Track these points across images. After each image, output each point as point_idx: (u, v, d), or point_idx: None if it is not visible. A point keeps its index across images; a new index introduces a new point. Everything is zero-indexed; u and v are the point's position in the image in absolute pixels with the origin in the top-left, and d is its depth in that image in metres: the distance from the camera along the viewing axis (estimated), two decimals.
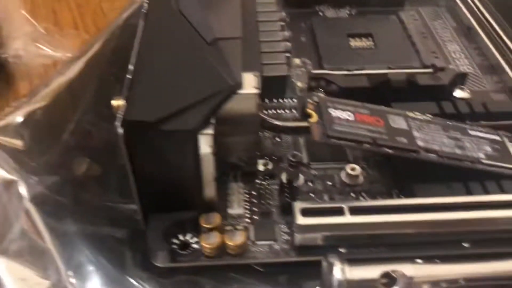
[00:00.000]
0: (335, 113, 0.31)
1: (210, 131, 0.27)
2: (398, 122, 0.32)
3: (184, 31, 0.31)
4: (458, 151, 0.31)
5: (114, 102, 0.28)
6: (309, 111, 0.31)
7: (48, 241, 0.29)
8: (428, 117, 0.33)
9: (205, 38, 0.30)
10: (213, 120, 0.27)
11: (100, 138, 0.37)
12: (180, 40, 0.30)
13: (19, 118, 0.37)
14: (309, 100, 0.31)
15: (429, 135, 0.31)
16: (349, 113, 0.31)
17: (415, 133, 0.31)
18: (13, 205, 0.30)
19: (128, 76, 0.28)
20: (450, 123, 0.33)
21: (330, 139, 0.29)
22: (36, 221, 0.30)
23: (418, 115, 0.33)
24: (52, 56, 0.45)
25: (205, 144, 0.27)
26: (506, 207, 0.29)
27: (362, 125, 0.31)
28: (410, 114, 0.33)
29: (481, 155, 0.32)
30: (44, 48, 0.45)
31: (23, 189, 0.32)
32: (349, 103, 0.32)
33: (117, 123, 0.25)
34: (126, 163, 0.27)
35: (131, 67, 0.28)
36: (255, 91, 0.29)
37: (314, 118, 0.30)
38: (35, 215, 0.30)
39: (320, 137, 0.29)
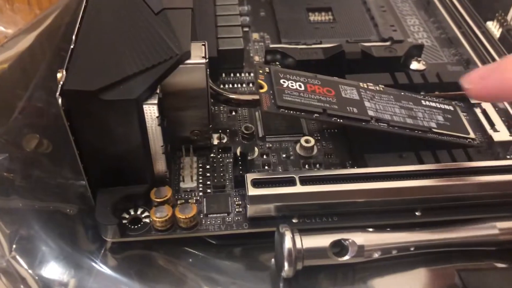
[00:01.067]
0: (286, 83, 0.30)
1: (154, 100, 0.26)
2: (350, 93, 0.31)
3: (131, 1, 0.30)
4: (409, 120, 0.31)
5: (58, 75, 0.27)
6: (260, 81, 0.30)
7: None
8: (381, 87, 0.33)
9: (152, 8, 0.30)
10: (158, 90, 0.27)
11: (51, 115, 0.36)
12: (127, 10, 0.30)
13: None
14: (260, 71, 0.31)
15: (380, 105, 0.31)
16: (300, 83, 0.31)
17: (367, 103, 0.31)
18: None
19: (71, 46, 0.27)
20: (403, 94, 0.33)
21: (280, 109, 0.29)
22: None
23: (371, 86, 0.33)
24: (3, 32, 0.43)
25: (150, 115, 0.26)
26: (457, 175, 0.29)
27: (313, 95, 0.30)
28: (363, 84, 0.33)
29: (433, 125, 0.32)
30: None
31: None
32: (301, 74, 0.32)
33: (57, 94, 0.25)
34: (69, 135, 0.26)
35: (73, 36, 0.27)
36: (203, 60, 0.28)
37: (265, 88, 0.30)
38: None
39: (269, 107, 0.29)
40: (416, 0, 0.48)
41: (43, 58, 0.40)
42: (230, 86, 0.39)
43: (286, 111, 0.29)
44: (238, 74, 0.39)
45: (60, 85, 0.25)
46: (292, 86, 0.30)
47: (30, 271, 0.27)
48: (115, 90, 0.25)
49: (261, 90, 0.30)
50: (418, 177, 0.29)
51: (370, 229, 0.28)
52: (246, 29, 0.44)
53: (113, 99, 0.25)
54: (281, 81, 0.31)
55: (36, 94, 0.37)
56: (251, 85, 0.39)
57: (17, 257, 0.27)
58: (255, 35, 0.44)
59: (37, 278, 0.27)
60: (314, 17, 0.45)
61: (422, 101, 0.33)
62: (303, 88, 0.30)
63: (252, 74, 0.39)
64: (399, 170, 0.29)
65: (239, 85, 0.39)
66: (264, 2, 0.47)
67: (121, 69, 0.26)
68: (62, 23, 0.43)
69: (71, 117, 0.26)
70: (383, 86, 0.33)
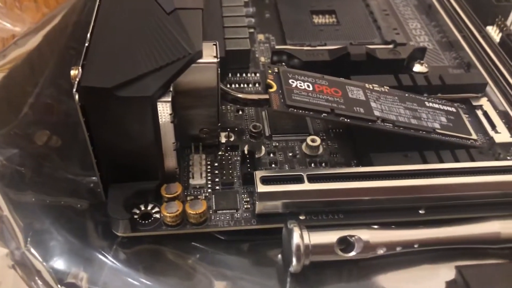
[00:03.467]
0: (294, 83, 0.31)
1: (168, 98, 0.27)
2: (356, 93, 0.32)
3: (143, 1, 0.31)
4: (414, 121, 0.32)
5: (72, 72, 0.28)
6: (269, 81, 0.31)
7: (5, 209, 0.29)
8: (386, 89, 0.34)
9: (164, 8, 0.30)
10: (171, 88, 0.27)
11: (60, 112, 0.37)
12: (139, 9, 0.30)
13: None
14: (269, 71, 0.32)
15: (386, 106, 0.32)
16: (308, 84, 0.32)
17: (373, 104, 0.32)
18: None
19: (86, 44, 0.28)
20: (407, 95, 0.34)
21: (289, 108, 0.30)
22: None
23: (376, 87, 0.34)
24: (10, 30, 0.44)
25: (163, 112, 0.27)
26: (459, 175, 0.30)
27: (320, 95, 0.31)
28: (368, 86, 0.33)
29: (437, 126, 0.33)
30: (2, 22, 0.44)
31: None
32: (309, 74, 0.33)
33: (74, 90, 0.25)
34: (84, 131, 0.26)
35: (88, 35, 0.28)
36: (215, 60, 0.29)
37: (274, 88, 0.31)
38: None
39: (279, 106, 0.30)
40: (418, 4, 0.49)
41: (51, 56, 0.40)
42: (237, 85, 0.39)
43: (295, 110, 0.30)
44: (244, 74, 0.40)
45: (76, 82, 0.26)
46: (301, 86, 0.31)
47: (44, 263, 0.27)
48: (130, 87, 0.26)
49: (271, 90, 0.30)
50: (422, 176, 0.30)
51: (375, 226, 0.29)
52: (251, 30, 0.44)
53: (128, 96, 0.26)
54: (290, 81, 0.31)
55: (46, 91, 0.38)
56: (257, 85, 0.39)
57: (32, 250, 0.28)
58: (261, 36, 0.44)
59: (51, 270, 0.27)
60: (318, 19, 0.45)
61: (426, 103, 0.34)
62: (311, 88, 0.31)
63: (258, 75, 0.40)
64: (403, 169, 0.30)
65: (245, 85, 0.39)
66: (268, 4, 0.48)
67: (135, 67, 0.26)
68: (69, 22, 0.43)
69: (87, 113, 0.26)
70: (388, 88, 0.34)
